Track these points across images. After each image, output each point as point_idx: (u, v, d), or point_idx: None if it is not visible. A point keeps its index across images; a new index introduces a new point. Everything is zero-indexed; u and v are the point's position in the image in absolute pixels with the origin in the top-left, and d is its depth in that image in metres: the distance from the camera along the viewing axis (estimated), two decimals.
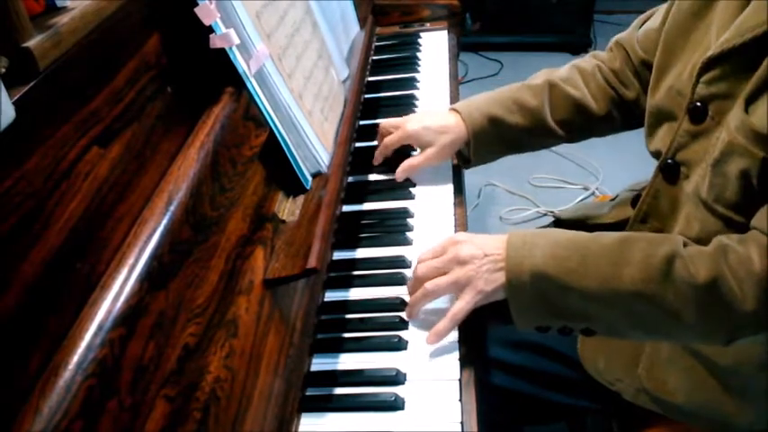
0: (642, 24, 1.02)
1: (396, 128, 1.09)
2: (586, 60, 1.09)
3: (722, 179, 0.73)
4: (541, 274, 0.75)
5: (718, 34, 0.76)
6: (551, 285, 0.74)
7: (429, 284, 0.81)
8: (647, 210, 0.87)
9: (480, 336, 0.99)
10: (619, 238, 0.76)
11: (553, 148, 2.36)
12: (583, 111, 1.04)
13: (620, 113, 1.05)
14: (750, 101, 0.70)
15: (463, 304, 0.80)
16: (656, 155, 0.88)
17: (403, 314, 0.86)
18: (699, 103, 0.77)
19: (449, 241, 0.83)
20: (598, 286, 0.73)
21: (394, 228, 1.02)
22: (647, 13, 1.01)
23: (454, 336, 0.83)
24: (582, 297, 0.74)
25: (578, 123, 1.05)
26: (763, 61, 0.68)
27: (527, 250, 0.76)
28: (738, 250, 0.70)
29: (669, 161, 0.82)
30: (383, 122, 1.12)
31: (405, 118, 1.11)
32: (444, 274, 0.81)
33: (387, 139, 1.09)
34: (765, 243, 0.68)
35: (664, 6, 0.93)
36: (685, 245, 0.74)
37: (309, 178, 0.93)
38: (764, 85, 0.69)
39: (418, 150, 1.10)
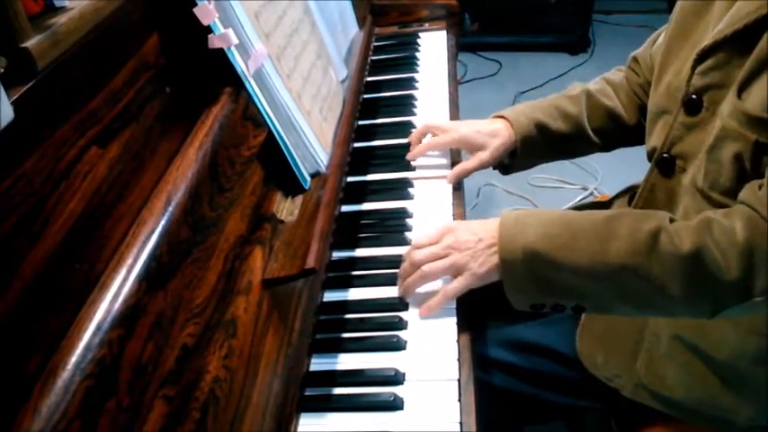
0: (655, 41, 1.04)
1: (441, 130, 1.10)
2: (613, 73, 1.12)
3: (716, 165, 0.75)
4: (533, 251, 0.77)
5: (714, 28, 0.78)
6: (542, 262, 0.76)
7: (426, 267, 0.84)
8: (643, 204, 0.88)
9: (480, 336, 0.99)
10: (607, 215, 0.78)
11: None
12: (616, 120, 1.07)
13: None
14: (743, 87, 0.72)
15: (457, 285, 0.83)
16: (651, 153, 0.89)
17: (402, 314, 0.86)
18: (694, 96, 0.79)
19: (445, 228, 0.86)
20: (587, 261, 0.75)
21: (393, 228, 1.02)
22: (660, 29, 1.03)
23: (453, 335, 0.83)
24: (572, 272, 0.76)
25: (612, 132, 1.08)
26: (755, 48, 0.70)
27: (519, 229, 0.79)
28: (723, 222, 0.71)
29: (665, 155, 0.84)
30: (426, 123, 1.15)
31: (452, 122, 1.14)
32: (441, 259, 0.84)
33: (435, 141, 1.10)
34: (750, 215, 0.70)
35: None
36: (672, 221, 0.75)
37: (308, 178, 0.93)
38: (756, 70, 0.71)
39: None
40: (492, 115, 1.09)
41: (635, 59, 1.10)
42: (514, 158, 1.08)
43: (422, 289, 0.87)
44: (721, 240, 0.70)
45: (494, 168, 1.12)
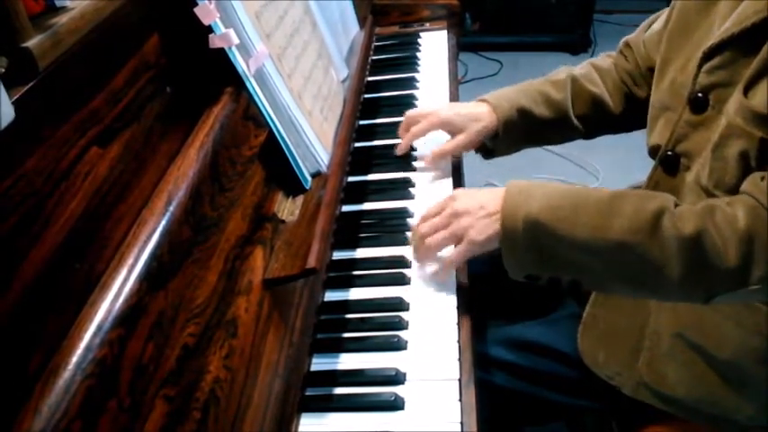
0: (649, 27, 1.04)
1: (422, 116, 1.10)
2: (601, 59, 1.11)
3: (722, 163, 0.75)
4: (534, 222, 0.77)
5: (720, 27, 0.77)
6: (543, 232, 0.77)
7: (429, 240, 0.86)
8: None
9: (480, 335, 0.99)
10: (612, 193, 0.78)
11: (553, 149, 2.36)
12: (600, 107, 1.07)
13: (634, 112, 1.06)
14: (749, 86, 0.72)
15: (457, 253, 0.85)
16: (653, 150, 0.89)
17: (403, 314, 0.86)
18: (700, 94, 0.79)
19: (448, 198, 0.88)
20: (587, 235, 0.75)
21: (393, 228, 1.02)
22: (654, 15, 1.02)
23: (454, 335, 0.83)
24: (572, 245, 0.76)
25: (596, 119, 1.08)
26: (763, 47, 0.70)
27: (523, 198, 0.79)
28: (725, 209, 0.72)
29: (669, 153, 0.84)
30: (410, 112, 1.13)
31: (434, 106, 1.13)
32: (445, 228, 0.85)
33: (417, 127, 1.10)
34: (752, 204, 0.71)
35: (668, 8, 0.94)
36: (676, 205, 0.76)
37: (309, 178, 0.93)
38: (764, 68, 0.71)
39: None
40: (477, 98, 1.09)
41: (627, 45, 1.09)
42: (496, 142, 1.07)
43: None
44: (723, 227, 0.71)
45: (476, 152, 1.12)
